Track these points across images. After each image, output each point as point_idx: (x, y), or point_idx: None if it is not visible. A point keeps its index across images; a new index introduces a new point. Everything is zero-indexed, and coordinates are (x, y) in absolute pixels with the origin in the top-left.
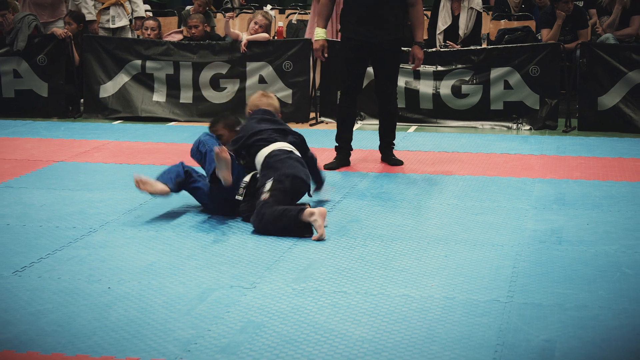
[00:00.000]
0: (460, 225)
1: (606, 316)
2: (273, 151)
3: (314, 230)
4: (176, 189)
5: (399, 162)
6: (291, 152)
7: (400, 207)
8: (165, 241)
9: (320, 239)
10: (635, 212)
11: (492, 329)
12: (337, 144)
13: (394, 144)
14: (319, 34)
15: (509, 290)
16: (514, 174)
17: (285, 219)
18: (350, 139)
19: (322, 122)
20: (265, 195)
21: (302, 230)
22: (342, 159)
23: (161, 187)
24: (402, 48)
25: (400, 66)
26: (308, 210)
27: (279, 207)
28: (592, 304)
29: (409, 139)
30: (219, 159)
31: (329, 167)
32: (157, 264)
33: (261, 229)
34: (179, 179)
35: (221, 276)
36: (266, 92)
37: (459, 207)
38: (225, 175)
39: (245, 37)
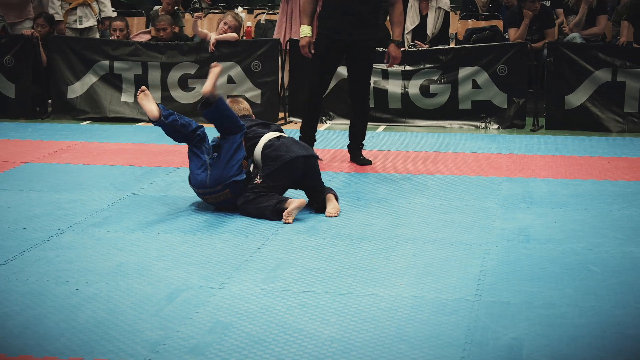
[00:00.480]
0: (429, 224)
1: (573, 314)
2: (265, 143)
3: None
4: (166, 122)
5: (368, 162)
6: (280, 136)
7: (369, 207)
8: (134, 242)
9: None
10: (601, 210)
11: (461, 328)
12: (300, 135)
13: (362, 144)
14: (304, 31)
15: (477, 288)
16: (482, 173)
17: (265, 210)
18: (314, 132)
19: (291, 122)
20: (258, 179)
21: (278, 217)
22: None
23: (153, 107)
24: (377, 48)
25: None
26: (289, 201)
27: (262, 199)
28: (559, 301)
29: (378, 139)
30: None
31: None
32: (125, 265)
33: (242, 211)
34: (178, 123)
35: (190, 277)
36: (234, 98)
37: (428, 206)
38: (206, 84)
39: (214, 36)
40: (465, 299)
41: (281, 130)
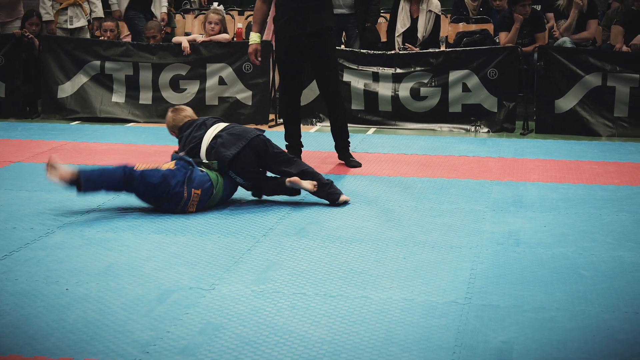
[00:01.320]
0: (419, 227)
1: (563, 318)
2: (207, 147)
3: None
4: (84, 182)
5: (358, 164)
6: (230, 124)
7: (359, 209)
8: (124, 242)
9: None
10: (591, 215)
11: (451, 331)
12: (286, 143)
13: (349, 142)
14: (252, 38)
15: (467, 292)
16: (472, 177)
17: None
18: (299, 136)
19: (281, 123)
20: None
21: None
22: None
23: (65, 172)
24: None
25: (359, 68)
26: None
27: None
28: (549, 305)
29: (368, 141)
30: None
31: None
32: (115, 265)
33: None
34: (101, 180)
35: (180, 277)
36: (174, 108)
37: (418, 209)
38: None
39: (201, 38)
40: (455, 302)
41: (221, 120)
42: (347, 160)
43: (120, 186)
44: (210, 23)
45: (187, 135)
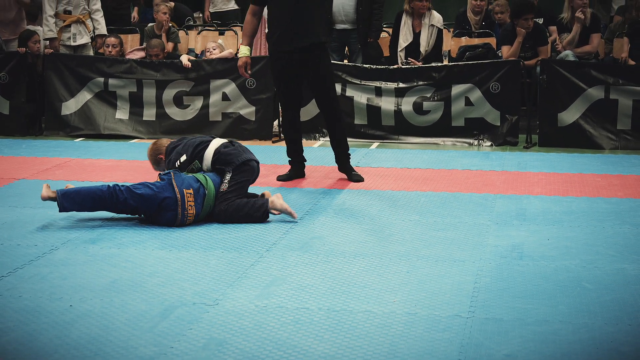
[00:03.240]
0: (422, 242)
1: (566, 331)
2: (217, 148)
3: (290, 214)
4: (62, 200)
5: (360, 179)
6: (231, 141)
7: (362, 224)
8: (128, 258)
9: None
10: (595, 228)
11: (454, 344)
12: (289, 158)
13: (349, 154)
14: (242, 51)
15: (470, 305)
16: (476, 190)
17: (250, 210)
18: (301, 152)
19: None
20: (224, 186)
21: (263, 217)
22: (296, 171)
23: (46, 192)
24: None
25: (362, 82)
26: (270, 200)
27: (239, 201)
28: (552, 318)
29: (371, 156)
30: None
31: (282, 178)
32: (119, 281)
33: (225, 219)
34: (82, 197)
35: (184, 293)
36: (155, 141)
37: (421, 223)
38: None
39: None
40: (458, 315)
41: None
42: (349, 173)
43: (105, 202)
44: (208, 51)
45: (181, 146)
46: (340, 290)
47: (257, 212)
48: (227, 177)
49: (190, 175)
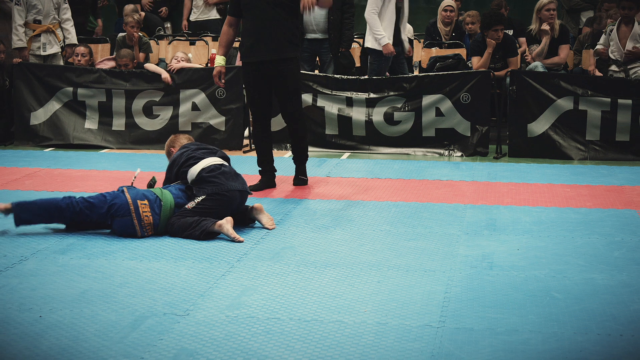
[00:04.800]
0: (393, 251)
1: (536, 340)
2: (205, 167)
3: (228, 236)
4: (18, 212)
5: (303, 182)
6: (222, 164)
7: (333, 234)
8: (98, 269)
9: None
10: (564, 238)
11: (425, 354)
12: (259, 168)
13: (306, 157)
14: (217, 61)
15: (441, 315)
16: (446, 200)
17: (193, 229)
18: (271, 162)
19: (255, 149)
20: (191, 204)
21: (208, 237)
22: (267, 181)
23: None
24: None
25: (333, 93)
26: (218, 223)
27: (189, 219)
28: (522, 328)
29: (342, 166)
30: None
31: (254, 188)
32: (89, 291)
33: (172, 234)
34: (39, 210)
35: (154, 303)
36: (178, 134)
37: (392, 233)
38: None
39: (176, 65)
40: (429, 325)
41: (226, 159)
42: (296, 177)
43: (62, 212)
44: (175, 58)
45: (194, 149)
46: (311, 300)
47: (196, 230)
48: (198, 199)
49: (146, 189)
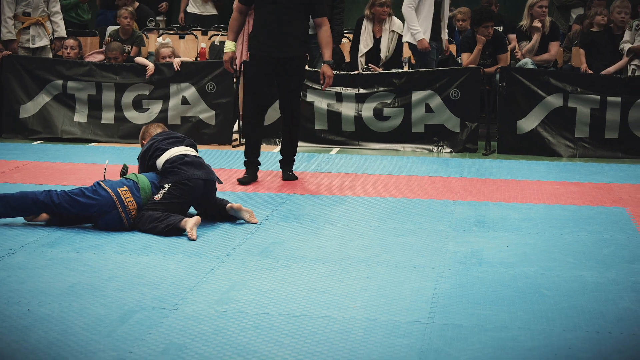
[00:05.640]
0: (382, 247)
1: (525, 337)
2: (169, 158)
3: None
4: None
5: (294, 177)
6: (186, 154)
7: (323, 229)
8: (86, 262)
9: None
10: (553, 235)
11: (414, 350)
12: (245, 159)
13: (294, 160)
14: (228, 46)
15: (430, 311)
16: (435, 196)
17: (159, 222)
18: (257, 154)
19: (244, 143)
20: (158, 196)
21: (173, 233)
22: (252, 174)
23: None
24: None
25: (316, 87)
26: (185, 220)
27: (157, 213)
28: (511, 324)
29: (332, 161)
30: None
31: (243, 182)
32: (77, 285)
33: (139, 227)
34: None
35: (143, 298)
36: (149, 125)
37: (381, 228)
38: None
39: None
40: (418, 321)
41: (194, 147)
42: (286, 173)
43: (41, 206)
44: (164, 58)
45: (160, 140)
46: (300, 296)
47: (162, 224)
48: (164, 189)
49: (119, 179)
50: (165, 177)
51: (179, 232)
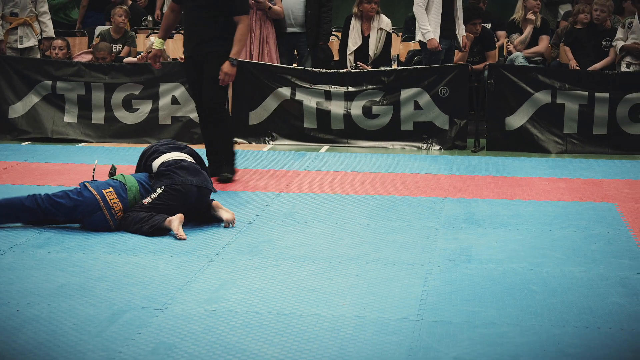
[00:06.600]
0: (372, 245)
1: (514, 333)
2: (165, 161)
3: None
4: None
5: (228, 180)
6: (183, 159)
7: (312, 227)
8: (76, 263)
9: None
10: (542, 231)
11: (403, 347)
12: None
13: (231, 160)
14: (155, 44)
15: (419, 308)
16: (424, 194)
17: (143, 224)
18: (210, 152)
19: (235, 142)
20: (147, 200)
21: (158, 234)
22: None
23: None
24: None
25: (311, 86)
26: (168, 219)
27: (141, 214)
28: (500, 321)
29: (321, 159)
30: None
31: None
32: (67, 286)
33: (124, 229)
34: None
35: (132, 297)
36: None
37: (370, 226)
38: None
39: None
40: (407, 318)
41: (194, 155)
42: (219, 175)
43: (26, 211)
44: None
45: (158, 146)
46: (289, 294)
47: (146, 225)
48: (156, 193)
49: (107, 179)
50: (158, 179)
51: (164, 232)
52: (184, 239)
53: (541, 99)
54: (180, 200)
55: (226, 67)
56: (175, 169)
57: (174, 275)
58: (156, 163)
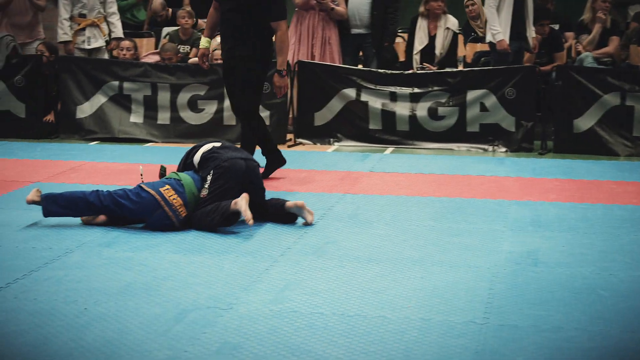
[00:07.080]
0: (437, 247)
1: (581, 338)
2: (205, 151)
3: (241, 216)
4: (45, 203)
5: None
6: (221, 144)
7: (376, 229)
8: (142, 262)
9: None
10: (610, 235)
11: (469, 351)
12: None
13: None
14: (202, 42)
15: (485, 312)
16: (490, 196)
17: (213, 215)
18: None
19: (299, 143)
20: (204, 192)
21: (230, 221)
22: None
23: (31, 196)
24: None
25: (377, 87)
26: (234, 201)
27: (207, 207)
28: (567, 325)
29: (386, 161)
30: None
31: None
32: (133, 284)
33: (196, 226)
34: (67, 202)
35: (198, 297)
36: None
37: (436, 228)
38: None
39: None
40: (473, 322)
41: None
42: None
43: (90, 206)
44: (216, 60)
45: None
46: (354, 296)
47: (216, 216)
48: (207, 182)
49: (159, 180)
50: (205, 168)
51: (235, 217)
52: (251, 224)
53: (610, 101)
54: (232, 176)
55: (276, 79)
56: (217, 150)
57: (239, 275)
58: (197, 157)
